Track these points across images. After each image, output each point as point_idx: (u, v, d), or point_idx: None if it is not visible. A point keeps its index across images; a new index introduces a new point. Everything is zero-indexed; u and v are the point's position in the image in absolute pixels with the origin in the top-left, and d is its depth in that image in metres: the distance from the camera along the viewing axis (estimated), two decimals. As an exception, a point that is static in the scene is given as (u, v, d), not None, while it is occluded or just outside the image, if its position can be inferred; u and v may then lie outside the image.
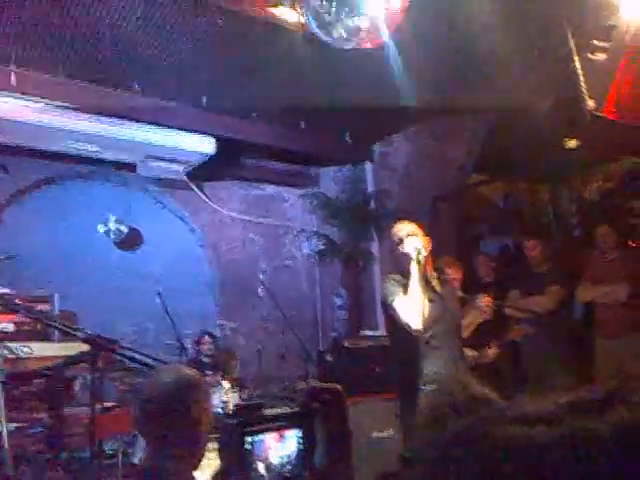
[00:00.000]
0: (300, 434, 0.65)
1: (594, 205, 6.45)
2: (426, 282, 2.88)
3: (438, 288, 2.98)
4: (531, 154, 5.41)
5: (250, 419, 0.64)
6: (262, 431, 0.65)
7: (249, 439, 0.63)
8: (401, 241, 2.92)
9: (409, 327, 2.76)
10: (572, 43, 3.06)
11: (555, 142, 5.03)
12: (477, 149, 5.31)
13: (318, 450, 0.64)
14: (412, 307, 2.75)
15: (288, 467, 0.68)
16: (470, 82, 4.20)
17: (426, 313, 2.75)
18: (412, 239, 2.86)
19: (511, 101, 4.21)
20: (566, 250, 6.06)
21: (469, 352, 3.81)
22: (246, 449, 0.64)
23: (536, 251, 4.56)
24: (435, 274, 3.03)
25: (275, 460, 0.66)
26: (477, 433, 0.49)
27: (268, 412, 0.67)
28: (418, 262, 2.78)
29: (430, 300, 2.83)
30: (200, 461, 1.59)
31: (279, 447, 0.67)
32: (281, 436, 0.67)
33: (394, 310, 2.84)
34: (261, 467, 0.65)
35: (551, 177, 6.71)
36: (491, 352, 4.07)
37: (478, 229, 6.51)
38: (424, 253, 2.81)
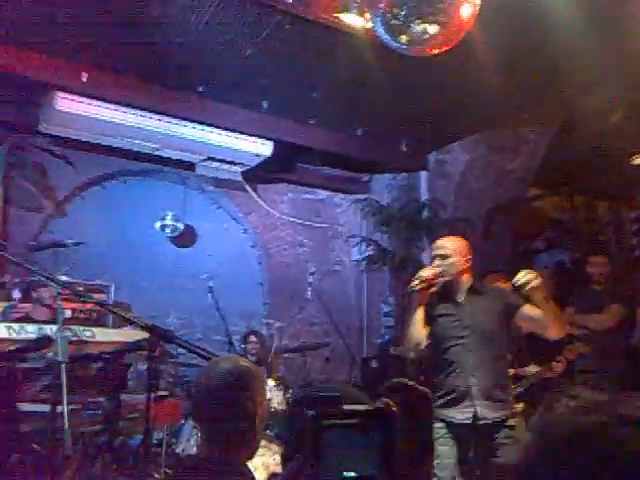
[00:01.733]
0: (380, 435, 0.63)
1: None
2: (450, 296, 2.86)
3: (464, 301, 2.89)
4: (593, 169, 5.25)
5: (327, 412, 0.63)
6: (341, 426, 0.63)
7: (326, 434, 0.62)
8: (433, 259, 2.93)
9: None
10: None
11: (620, 157, 4.87)
12: (537, 162, 5.19)
13: (395, 455, 0.62)
14: (409, 329, 2.84)
15: (365, 468, 0.67)
16: (536, 92, 4.11)
17: (418, 339, 2.80)
18: (427, 269, 2.86)
19: (577, 113, 4.11)
20: (626, 270, 5.84)
21: (531, 368, 3.72)
22: (324, 443, 0.63)
23: (600, 268, 4.43)
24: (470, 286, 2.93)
25: (351, 459, 0.64)
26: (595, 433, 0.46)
27: (347, 407, 0.66)
28: (418, 292, 2.82)
29: (442, 315, 2.84)
30: (253, 453, 1.60)
31: (356, 445, 0.66)
32: (360, 433, 0.65)
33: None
34: (336, 465, 0.64)
35: (612, 194, 6.49)
36: (560, 366, 3.94)
37: (533, 243, 6.36)
38: (413, 289, 2.82)
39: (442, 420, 2.73)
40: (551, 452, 0.47)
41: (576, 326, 4.30)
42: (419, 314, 2.84)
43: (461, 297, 2.86)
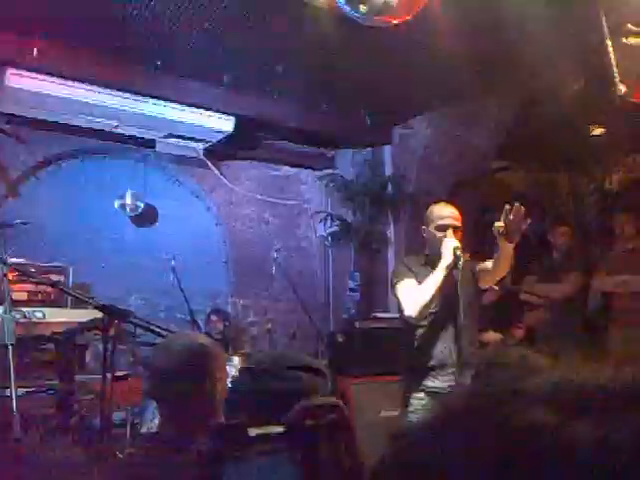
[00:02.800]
0: (297, 460, 0.55)
1: (615, 196, 6.33)
2: (436, 264, 2.82)
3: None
4: (554, 142, 5.31)
5: (232, 443, 0.56)
6: (246, 458, 0.56)
7: (231, 466, 0.54)
8: (443, 228, 2.81)
9: (403, 312, 2.74)
10: (606, 26, 2.96)
11: (580, 129, 4.93)
12: (500, 135, 5.22)
13: None
14: (415, 297, 2.70)
15: None
16: (497, 65, 4.10)
17: (429, 305, 2.68)
18: (453, 241, 2.73)
19: (539, 86, 4.12)
20: (585, 240, 5.96)
21: (491, 335, 3.78)
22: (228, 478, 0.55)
23: (562, 237, 4.52)
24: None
25: None
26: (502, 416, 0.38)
27: (254, 432, 0.58)
28: (455, 265, 2.67)
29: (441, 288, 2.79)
30: None
31: (268, 477, 0.58)
32: (271, 463, 0.57)
33: (395, 294, 2.83)
34: None
35: (572, 166, 6.59)
36: (520, 332, 4.01)
37: (496, 216, 6.42)
38: (463, 257, 2.68)
39: (422, 391, 2.72)
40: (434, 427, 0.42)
41: (537, 294, 4.40)
42: (440, 278, 2.70)
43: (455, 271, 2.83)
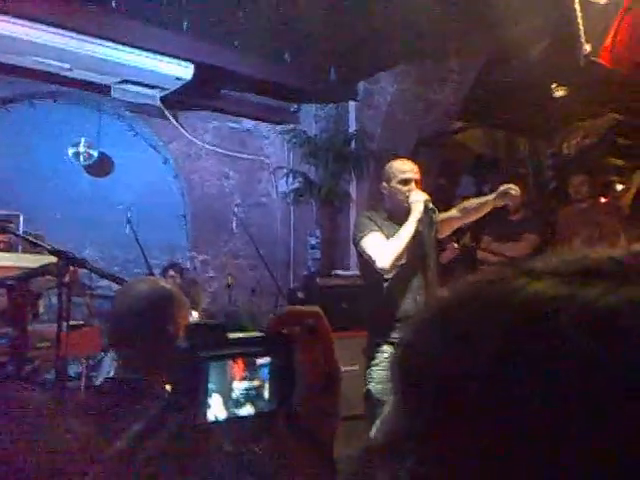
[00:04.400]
0: (273, 364, 0.55)
1: (571, 160, 6.47)
2: (402, 219, 2.83)
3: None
4: (516, 103, 5.34)
5: (208, 342, 0.55)
6: (222, 357, 0.55)
7: (205, 365, 0.53)
8: (407, 182, 2.81)
9: (374, 264, 2.70)
10: (573, -18, 2.95)
11: (543, 92, 4.96)
12: (463, 94, 5.21)
13: (297, 389, 0.55)
14: (387, 248, 2.68)
15: (255, 404, 0.57)
16: (463, 23, 4.06)
17: (401, 256, 2.68)
18: (421, 194, 2.76)
19: (503, 44, 4.11)
20: (541, 201, 6.10)
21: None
22: (200, 379, 0.53)
23: (517, 199, 4.59)
24: None
25: (238, 393, 0.56)
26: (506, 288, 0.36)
27: (232, 335, 0.57)
28: (430, 220, 2.73)
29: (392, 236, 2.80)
30: None
31: (244, 378, 0.57)
32: (248, 365, 0.56)
33: (362, 247, 2.79)
34: (218, 401, 0.55)
35: (531, 129, 6.67)
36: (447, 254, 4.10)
37: (456, 175, 6.49)
38: (435, 211, 2.74)
39: (389, 343, 2.71)
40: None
41: (494, 253, 4.48)
42: (412, 230, 2.70)
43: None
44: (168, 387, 1.53)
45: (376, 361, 2.74)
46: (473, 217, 2.95)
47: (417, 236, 2.71)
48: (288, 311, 0.68)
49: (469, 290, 0.39)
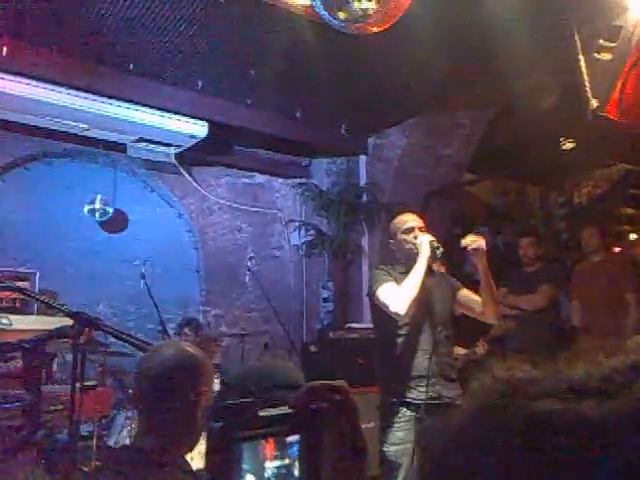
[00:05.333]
0: (302, 442, 0.55)
1: (582, 210, 6.47)
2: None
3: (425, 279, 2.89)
4: (524, 155, 5.39)
5: (242, 421, 0.56)
6: (256, 437, 0.55)
7: (239, 446, 0.54)
8: (410, 230, 2.84)
9: (388, 309, 2.67)
10: (578, 41, 3.02)
11: (552, 144, 5.02)
12: (472, 147, 5.28)
13: (325, 464, 0.56)
14: (400, 292, 2.66)
15: None
16: (472, 77, 4.16)
17: (414, 300, 2.64)
18: (427, 236, 2.78)
19: (512, 98, 4.19)
20: (555, 252, 6.07)
21: (460, 350, 3.79)
22: (235, 458, 0.54)
23: (530, 250, 4.59)
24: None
25: (270, 472, 0.57)
26: (511, 407, 0.43)
27: (264, 413, 0.58)
28: (435, 257, 2.72)
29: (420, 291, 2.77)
30: (194, 445, 1.51)
31: (275, 457, 0.57)
32: (279, 444, 0.57)
33: (377, 297, 2.76)
34: None
35: (542, 179, 6.71)
36: (480, 350, 4.07)
37: (470, 225, 6.49)
38: (442, 249, 2.72)
39: (402, 403, 2.67)
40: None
41: (508, 306, 4.44)
42: (421, 271, 2.67)
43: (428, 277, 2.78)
44: (189, 458, 1.50)
45: (391, 422, 2.67)
46: (487, 288, 2.90)
47: (426, 295, 2.70)
48: (315, 386, 0.69)
49: (481, 411, 0.45)
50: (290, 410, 0.67)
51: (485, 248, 2.71)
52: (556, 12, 3.22)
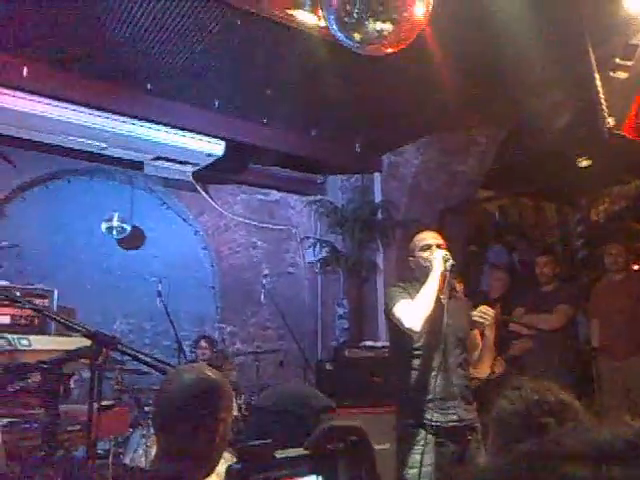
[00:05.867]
0: None
1: (600, 227, 6.41)
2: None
3: (445, 300, 2.88)
4: (540, 172, 5.37)
5: (260, 463, 0.56)
6: (273, 479, 0.56)
7: None
8: (427, 247, 2.85)
9: (403, 326, 2.66)
10: (593, 60, 3.02)
11: (567, 161, 4.99)
12: (487, 164, 5.27)
13: None
14: (414, 308, 2.66)
15: None
16: (487, 95, 4.16)
17: (429, 315, 2.65)
18: (441, 250, 2.79)
19: (528, 116, 4.19)
20: (572, 271, 6.00)
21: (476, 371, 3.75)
22: None
23: (547, 269, 4.54)
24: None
25: None
26: (541, 471, 0.43)
27: (279, 454, 0.58)
28: (446, 270, 2.72)
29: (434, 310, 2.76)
30: (212, 470, 1.51)
31: None
32: None
33: (393, 314, 2.75)
34: None
35: (558, 197, 6.67)
36: (498, 369, 4.02)
37: (485, 242, 6.45)
38: (453, 263, 2.73)
39: (420, 425, 2.64)
40: None
41: (525, 326, 4.39)
42: (434, 285, 2.69)
43: (444, 296, 2.78)
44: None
45: (410, 445, 2.63)
46: (487, 354, 2.94)
47: (441, 312, 2.69)
48: (332, 427, 0.69)
49: (509, 473, 0.46)
50: (306, 451, 0.67)
51: (493, 321, 2.78)
52: (571, 31, 3.23)
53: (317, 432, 0.70)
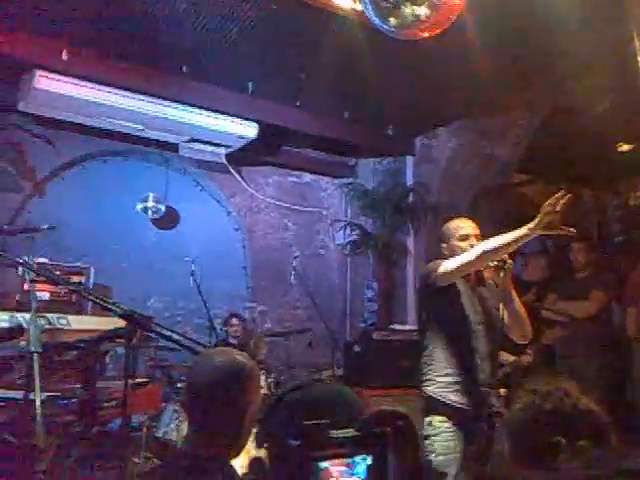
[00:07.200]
0: (370, 462, 0.60)
1: (638, 212, 6.24)
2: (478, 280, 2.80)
3: (481, 286, 2.84)
4: (579, 156, 5.25)
5: (317, 441, 0.59)
6: (328, 456, 0.59)
7: (313, 464, 0.58)
8: (466, 237, 2.74)
9: (437, 271, 2.60)
10: (637, 42, 2.93)
11: (606, 145, 4.87)
12: (522, 148, 5.18)
13: None
14: (454, 258, 2.60)
15: None
16: (523, 78, 4.07)
17: (464, 269, 2.57)
18: (509, 261, 2.64)
19: (567, 99, 4.09)
20: (608, 256, 5.88)
21: (508, 356, 3.74)
22: (308, 476, 0.59)
23: (582, 255, 4.45)
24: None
25: None
26: None
27: (334, 434, 0.62)
28: (502, 268, 2.59)
29: (462, 295, 2.72)
30: (240, 451, 1.57)
31: (345, 476, 0.61)
32: (348, 464, 0.61)
33: (439, 273, 2.62)
34: None
35: (596, 181, 6.51)
36: (526, 359, 4.01)
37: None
38: (509, 263, 2.60)
39: (445, 405, 2.60)
40: None
41: (558, 313, 4.34)
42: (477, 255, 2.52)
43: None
44: (234, 464, 1.55)
45: (436, 431, 2.60)
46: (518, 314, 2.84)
47: (477, 301, 2.68)
48: (381, 412, 0.75)
49: None
50: (356, 433, 0.75)
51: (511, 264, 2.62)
52: (616, 15, 3.13)
53: (366, 416, 0.77)
